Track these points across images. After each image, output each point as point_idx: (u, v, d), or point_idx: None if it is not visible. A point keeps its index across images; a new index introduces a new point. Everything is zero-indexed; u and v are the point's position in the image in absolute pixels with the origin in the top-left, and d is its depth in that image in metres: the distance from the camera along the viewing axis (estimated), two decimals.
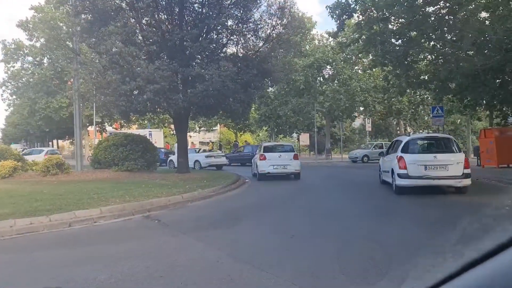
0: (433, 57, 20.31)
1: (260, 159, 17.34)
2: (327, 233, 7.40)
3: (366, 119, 39.06)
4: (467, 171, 11.32)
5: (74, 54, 17.05)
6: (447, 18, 17.97)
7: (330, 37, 37.82)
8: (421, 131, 57.32)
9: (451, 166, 11.28)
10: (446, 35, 18.68)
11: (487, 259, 1.01)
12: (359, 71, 38.70)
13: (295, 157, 17.63)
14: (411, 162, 11.37)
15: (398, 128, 52.35)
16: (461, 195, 11.23)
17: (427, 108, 41.44)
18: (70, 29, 16.84)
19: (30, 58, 42.19)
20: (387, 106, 39.45)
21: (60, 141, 64.09)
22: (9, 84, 43.41)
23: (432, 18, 17.61)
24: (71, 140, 52.28)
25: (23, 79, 42.38)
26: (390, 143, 15.88)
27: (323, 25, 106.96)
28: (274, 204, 11.45)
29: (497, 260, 0.99)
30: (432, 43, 19.69)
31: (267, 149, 18.00)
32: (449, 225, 6.91)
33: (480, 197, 10.76)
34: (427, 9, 16.99)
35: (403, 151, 11.80)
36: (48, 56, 39.44)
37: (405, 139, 12.55)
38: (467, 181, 11.25)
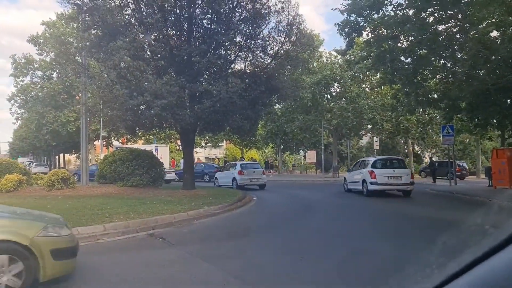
0: (443, 75, 20.10)
1: (239, 174, 22.41)
2: (336, 253, 7.10)
3: (374, 137, 38.72)
4: (412, 181, 17.49)
5: (82, 68, 17.02)
6: (458, 36, 17.86)
7: (338, 55, 38.01)
8: (429, 150, 56.89)
9: (403, 177, 17.17)
10: (457, 53, 18.53)
11: (483, 261, 1.05)
12: (367, 89, 38.58)
13: (263, 173, 23.91)
14: (379, 174, 17.03)
15: (405, 147, 51.93)
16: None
17: (436, 127, 41.11)
18: (80, 44, 16.83)
19: (39, 73, 42.58)
20: (395, 124, 39.15)
21: (66, 155, 64.21)
22: (18, 98, 43.74)
23: (443, 37, 17.49)
24: (77, 154, 52.31)
25: (32, 93, 42.71)
26: (356, 162, 21.66)
27: (329, 43, 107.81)
28: (282, 223, 11.14)
29: (492, 261, 1.03)
30: (442, 61, 19.52)
31: (243, 167, 23.32)
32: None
33: None
34: (438, 27, 16.85)
35: (372, 167, 17.53)
36: (57, 70, 39.77)
37: (372, 159, 18.84)
38: (412, 187, 17.45)
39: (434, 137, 47.46)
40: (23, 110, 44.97)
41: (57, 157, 61.10)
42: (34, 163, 50.52)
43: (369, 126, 39.52)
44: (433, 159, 58.27)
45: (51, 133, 41.15)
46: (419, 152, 56.82)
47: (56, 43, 28.97)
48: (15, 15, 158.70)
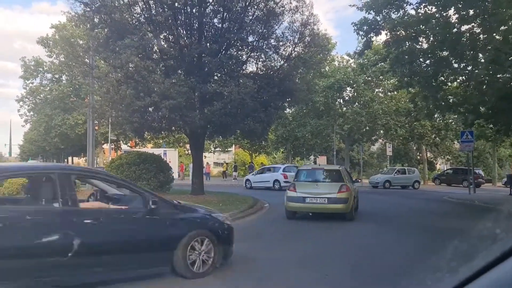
0: (464, 78, 19.21)
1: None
2: (363, 271, 6.33)
3: (387, 143, 37.81)
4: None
5: (89, 69, 16.47)
6: (481, 37, 17.00)
7: (351, 59, 37.29)
8: (442, 157, 55.67)
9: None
10: (480, 55, 17.66)
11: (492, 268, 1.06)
12: (380, 93, 37.77)
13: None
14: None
15: (418, 153, 50.86)
16: None
17: (450, 133, 40.10)
18: (89, 43, 16.28)
19: (49, 75, 42.43)
20: (408, 130, 38.20)
21: (75, 159, 64.04)
22: (27, 100, 43.58)
23: (465, 38, 16.66)
24: (86, 158, 52.13)
25: (41, 96, 42.52)
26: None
27: (339, 49, 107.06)
28: (299, 233, 10.37)
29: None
30: (463, 64, 18.65)
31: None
32: None
33: None
34: (461, 27, 16.02)
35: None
36: (66, 73, 39.52)
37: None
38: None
39: (447, 143, 46.38)
40: (32, 113, 44.80)
41: (66, 160, 60.97)
42: None
43: (382, 132, 38.63)
44: (447, 166, 57.31)
45: (59, 135, 40.89)
46: (431, 159, 55.60)
47: (65, 45, 28.64)
48: (28, 19, 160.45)
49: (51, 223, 4.88)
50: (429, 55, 17.73)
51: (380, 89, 37.90)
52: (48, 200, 5.21)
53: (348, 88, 36.17)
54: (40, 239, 4.70)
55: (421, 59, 18.00)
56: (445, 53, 17.71)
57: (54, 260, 4.71)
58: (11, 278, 4.58)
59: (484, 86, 18.52)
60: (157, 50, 16.70)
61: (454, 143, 47.62)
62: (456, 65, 18.53)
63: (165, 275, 5.71)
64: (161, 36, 16.61)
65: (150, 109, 15.17)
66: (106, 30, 15.79)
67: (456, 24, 15.96)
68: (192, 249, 5.72)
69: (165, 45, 16.44)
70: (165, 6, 15.37)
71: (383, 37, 18.42)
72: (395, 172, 32.64)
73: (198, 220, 6.37)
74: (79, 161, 72.40)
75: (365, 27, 16.05)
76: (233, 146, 62.19)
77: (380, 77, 34.57)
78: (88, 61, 17.64)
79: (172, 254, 5.58)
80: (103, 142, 43.53)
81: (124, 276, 5.44)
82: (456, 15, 15.67)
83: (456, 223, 11.89)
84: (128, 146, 47.74)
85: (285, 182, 24.10)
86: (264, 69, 18.14)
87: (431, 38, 16.90)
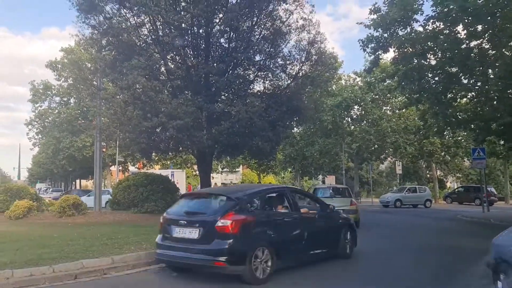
0: (475, 94, 18.96)
1: None
2: None
3: (397, 161, 37.33)
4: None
5: (96, 90, 16.46)
6: (489, 53, 16.81)
7: (358, 77, 37.24)
8: (452, 175, 54.83)
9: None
10: (489, 70, 17.45)
11: None
12: (388, 111, 37.53)
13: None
14: None
15: (428, 171, 50.20)
16: None
17: (460, 150, 39.58)
18: (97, 65, 16.27)
19: (57, 98, 42.77)
20: (418, 148, 37.75)
21: (83, 181, 64.05)
22: (35, 123, 43.86)
23: (474, 53, 16.47)
24: (93, 180, 52.09)
25: (49, 119, 42.80)
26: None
27: (346, 68, 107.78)
28: None
29: None
30: (472, 79, 18.41)
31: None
32: None
33: None
34: (471, 43, 15.84)
35: None
36: (74, 96, 39.83)
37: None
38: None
39: (457, 161, 45.75)
40: (40, 136, 45.03)
41: (74, 182, 60.97)
42: (51, 189, 50.35)
43: (391, 150, 38.21)
44: (457, 184, 56.41)
45: (67, 158, 40.96)
46: (441, 177, 54.81)
47: (74, 68, 28.86)
48: (38, 45, 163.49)
49: (293, 222, 7.75)
50: (438, 71, 17.54)
51: (388, 107, 37.68)
52: (284, 207, 7.96)
53: (356, 107, 35.99)
54: (292, 232, 7.61)
55: (429, 76, 17.80)
56: (454, 69, 17.52)
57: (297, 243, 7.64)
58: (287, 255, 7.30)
59: (495, 102, 18.26)
60: (164, 71, 16.69)
61: (464, 161, 46.98)
62: (465, 81, 18.32)
63: None
64: (168, 57, 16.62)
65: (158, 129, 15.04)
66: (113, 51, 15.82)
67: (465, 40, 15.81)
68: (346, 234, 8.86)
69: (172, 66, 16.45)
70: (172, 27, 15.40)
71: (390, 54, 18.31)
72: (406, 191, 32.11)
73: (345, 218, 9.44)
74: (87, 183, 72.50)
75: (372, 44, 15.93)
76: (241, 166, 61.93)
77: (388, 95, 34.40)
78: (96, 83, 17.66)
79: (339, 238, 8.70)
80: (110, 164, 43.50)
81: None
82: (465, 31, 15.53)
83: (475, 243, 11.48)
84: (135, 167, 47.68)
85: None
86: (272, 88, 18.06)
87: (440, 54, 16.75)
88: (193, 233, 6.87)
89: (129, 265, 8.04)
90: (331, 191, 16.26)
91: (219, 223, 6.56)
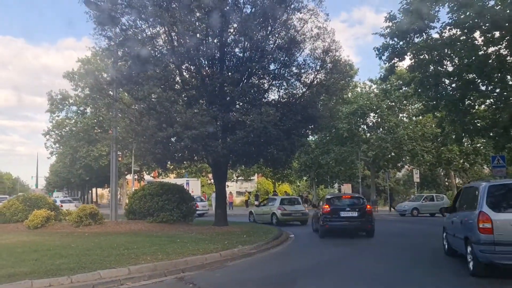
0: (493, 101, 18.63)
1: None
2: None
3: (414, 169, 36.79)
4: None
5: (113, 101, 16.65)
6: (509, 59, 16.54)
7: (373, 85, 36.96)
8: (470, 182, 53.87)
9: None
10: (508, 76, 17.15)
11: None
12: (405, 118, 37.09)
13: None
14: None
15: (446, 179, 49.35)
16: None
17: (480, 158, 38.84)
18: (113, 76, 16.48)
19: (74, 108, 43.43)
20: (435, 155, 37.18)
21: (100, 190, 64.75)
22: (53, 133, 44.55)
23: (491, 60, 16.22)
24: (109, 189, 52.65)
25: (66, 128, 43.43)
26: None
27: (361, 75, 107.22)
28: (328, 267, 9.85)
29: None
30: (491, 86, 18.11)
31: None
32: None
33: None
34: (488, 49, 15.61)
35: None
36: (91, 105, 40.38)
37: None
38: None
39: (476, 168, 44.88)
40: (57, 145, 45.71)
41: (90, 191, 61.67)
42: (68, 198, 50.97)
43: (408, 158, 37.71)
44: None
45: (84, 167, 41.48)
46: (460, 185, 53.83)
47: (90, 78, 29.28)
48: (55, 55, 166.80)
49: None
50: (455, 78, 17.30)
51: (404, 114, 37.24)
52: None
53: (372, 114, 35.64)
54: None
55: (446, 83, 17.56)
56: (471, 76, 17.27)
57: None
58: None
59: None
60: (179, 81, 16.81)
61: (484, 168, 46.09)
62: (483, 88, 18.02)
63: None
64: (183, 67, 16.74)
65: (173, 139, 15.10)
66: (129, 62, 16.00)
67: (482, 47, 15.58)
68: None
69: (187, 76, 16.55)
70: (187, 38, 15.52)
71: (406, 62, 18.16)
72: (423, 199, 31.60)
73: None
74: (103, 192, 73.20)
75: (387, 53, 15.81)
76: (256, 174, 61.82)
77: (404, 101, 34.02)
78: (112, 93, 17.88)
79: None
80: (126, 172, 43.91)
81: None
82: (482, 38, 15.31)
83: None
84: (151, 176, 48.03)
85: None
86: (286, 96, 18.00)
87: (457, 61, 16.53)
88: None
89: (145, 276, 8.06)
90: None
91: None
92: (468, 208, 8.78)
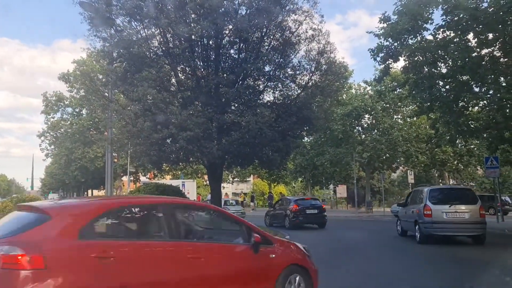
0: (487, 102, 18.75)
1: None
2: None
3: (409, 170, 36.98)
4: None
5: (107, 102, 16.63)
6: (501, 60, 16.67)
7: (368, 86, 37.13)
8: (465, 183, 54.07)
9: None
10: (501, 78, 17.27)
11: None
12: (399, 120, 37.29)
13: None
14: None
15: (440, 180, 49.62)
16: None
17: (473, 159, 39.11)
18: (108, 77, 16.44)
19: (69, 109, 43.34)
20: (429, 157, 37.39)
21: (95, 191, 64.51)
22: (48, 134, 44.41)
23: (485, 61, 16.33)
24: (105, 190, 52.45)
25: (62, 130, 43.31)
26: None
27: (356, 77, 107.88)
28: (326, 269, 9.84)
29: None
30: (484, 88, 18.23)
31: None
32: None
33: None
34: (482, 51, 15.71)
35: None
36: (86, 107, 40.30)
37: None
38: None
39: (470, 169, 45.16)
40: (52, 147, 45.57)
41: (86, 193, 61.40)
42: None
43: (402, 159, 37.90)
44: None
45: (79, 169, 41.36)
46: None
47: (85, 80, 29.22)
48: (50, 57, 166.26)
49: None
50: (449, 80, 17.41)
51: (399, 116, 37.45)
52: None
53: (367, 116, 35.83)
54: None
55: (440, 84, 17.66)
56: (465, 78, 17.38)
57: None
58: None
59: (508, 110, 18.03)
60: (174, 82, 16.82)
61: (477, 169, 46.38)
62: (477, 89, 18.14)
63: None
64: (178, 68, 16.76)
65: (168, 141, 15.12)
66: (124, 63, 16.00)
67: (476, 48, 15.69)
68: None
69: (182, 77, 16.57)
70: (182, 39, 15.55)
71: (400, 63, 18.23)
72: None
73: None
74: (99, 194, 72.85)
75: (381, 54, 15.90)
76: (251, 176, 61.89)
77: (399, 103, 34.20)
78: (107, 94, 17.87)
79: None
80: (122, 174, 43.78)
81: None
82: (475, 39, 15.42)
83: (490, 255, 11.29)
84: (147, 178, 47.91)
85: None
86: (282, 98, 18.05)
87: (450, 63, 16.64)
88: None
89: None
90: None
91: None
92: (417, 203, 13.97)
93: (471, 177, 49.00)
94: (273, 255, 5.36)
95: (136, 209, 5.03)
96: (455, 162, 40.67)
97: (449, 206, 12.87)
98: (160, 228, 4.74)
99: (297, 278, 5.39)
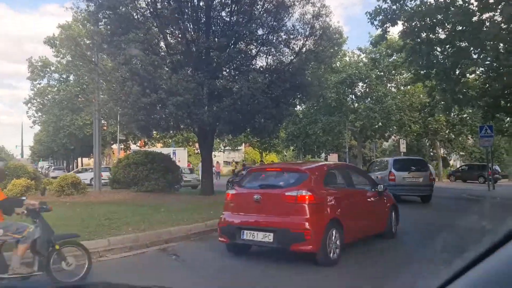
0: (484, 70, 18.31)
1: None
2: None
3: (401, 139, 36.83)
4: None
5: (94, 65, 15.91)
6: (503, 26, 16.11)
7: (362, 53, 36.45)
8: (456, 153, 54.32)
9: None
10: (501, 45, 16.77)
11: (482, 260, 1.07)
12: (393, 88, 36.83)
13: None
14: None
15: (431, 149, 49.71)
16: None
17: (465, 128, 39.06)
18: (93, 40, 15.64)
19: (56, 75, 42.11)
20: (422, 126, 37.19)
21: (85, 159, 63.93)
22: (34, 101, 43.34)
23: (487, 26, 15.78)
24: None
25: (49, 96, 42.24)
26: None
27: (349, 45, 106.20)
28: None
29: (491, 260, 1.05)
30: (483, 54, 17.74)
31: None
32: None
33: None
34: (483, 15, 15.14)
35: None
36: (73, 72, 39.17)
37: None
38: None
39: (461, 139, 45.20)
40: (40, 114, 44.57)
41: (76, 161, 60.81)
42: (53, 167, 50.20)
43: (395, 128, 37.71)
44: (460, 162, 56.04)
45: (68, 136, 40.63)
46: (445, 155, 54.29)
47: (71, 44, 28.18)
48: (37, 21, 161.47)
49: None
50: (448, 46, 16.88)
51: (393, 84, 36.96)
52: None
53: (360, 84, 35.31)
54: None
55: (439, 50, 17.13)
56: (464, 44, 16.87)
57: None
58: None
59: (505, 78, 17.65)
60: (164, 46, 16.10)
61: (468, 139, 46.42)
62: (475, 56, 17.67)
63: None
64: (167, 31, 16.00)
65: (158, 106, 14.56)
66: (110, 25, 15.20)
67: (477, 12, 15.11)
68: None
69: (172, 40, 15.84)
70: (171, 0, 14.76)
71: (397, 29, 17.65)
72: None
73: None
74: (89, 162, 72.30)
75: (380, 17, 15.26)
76: (243, 144, 61.59)
77: (393, 71, 33.68)
78: (94, 59, 17.11)
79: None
80: (112, 142, 43.15)
81: None
82: (477, 2, 14.83)
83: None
84: (137, 146, 47.36)
85: None
86: (275, 63, 17.45)
87: (450, 28, 16.06)
88: None
89: (127, 247, 7.72)
90: None
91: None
92: (382, 170, 17.37)
93: (462, 147, 49.13)
94: (385, 198, 8.82)
95: (336, 170, 8.17)
96: (447, 131, 40.60)
97: (408, 173, 16.06)
98: (345, 180, 7.95)
99: (393, 212, 8.82)
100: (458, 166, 52.48)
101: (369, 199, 8.09)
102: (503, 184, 32.96)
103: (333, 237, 6.38)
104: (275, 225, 6.36)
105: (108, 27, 15.36)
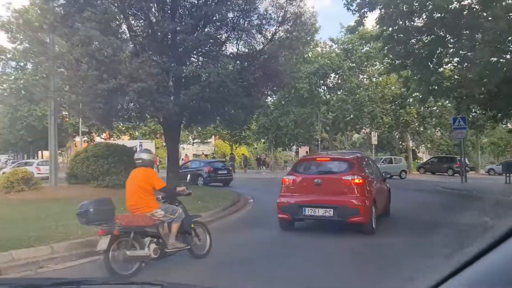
0: (460, 59, 17.85)
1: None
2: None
3: (373, 131, 36.53)
4: None
5: (45, 47, 14.39)
6: (479, 14, 15.64)
7: (334, 44, 35.85)
8: (424, 145, 54.98)
9: None
10: (477, 35, 16.32)
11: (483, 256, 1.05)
12: (365, 80, 36.44)
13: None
14: None
15: (401, 142, 49.98)
16: None
17: (433, 121, 39.28)
18: (45, 19, 14.10)
19: (13, 63, 39.53)
20: (394, 118, 37.03)
21: (45, 152, 61.03)
22: None
23: (464, 13, 15.25)
24: (59, 151, 49.16)
25: (4, 85, 39.63)
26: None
27: (321, 34, 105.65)
28: (290, 238, 8.71)
29: (492, 256, 1.03)
30: (459, 44, 17.27)
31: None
32: None
33: None
34: (462, 2, 14.57)
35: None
36: (31, 60, 36.75)
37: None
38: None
39: (429, 131, 45.59)
40: None
41: (36, 154, 57.92)
42: (11, 161, 47.41)
43: (367, 119, 37.40)
44: (428, 155, 56.80)
45: (26, 128, 38.25)
46: (413, 148, 54.82)
47: (27, 29, 26.19)
48: None
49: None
50: (425, 34, 16.27)
51: (365, 76, 36.57)
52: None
53: (333, 75, 34.69)
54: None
55: (416, 38, 16.52)
56: (441, 32, 16.31)
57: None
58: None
59: (480, 69, 17.29)
60: (125, 28, 14.76)
61: (436, 131, 46.91)
62: (451, 46, 17.18)
63: None
64: (129, 12, 14.63)
65: (118, 94, 13.25)
66: (64, 2, 13.72)
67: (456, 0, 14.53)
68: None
69: (133, 22, 14.50)
70: None
71: (372, 17, 16.92)
72: (382, 162, 31.41)
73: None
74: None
75: (357, 1, 14.45)
76: (213, 137, 60.32)
77: (365, 62, 33.23)
78: (48, 40, 15.54)
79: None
80: (74, 134, 41.01)
81: None
82: None
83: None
84: (102, 138, 45.33)
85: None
86: (246, 50, 16.42)
87: (428, 15, 15.44)
88: None
89: (73, 255, 6.56)
90: None
91: None
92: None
93: (430, 139, 49.64)
94: (388, 185, 10.45)
95: (365, 160, 9.97)
96: (417, 124, 40.72)
97: None
98: (369, 168, 9.37)
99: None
100: (425, 158, 53.06)
101: (382, 185, 9.75)
102: (472, 177, 33.18)
103: (374, 212, 8.08)
104: (335, 203, 7.87)
105: (62, 4, 13.87)
